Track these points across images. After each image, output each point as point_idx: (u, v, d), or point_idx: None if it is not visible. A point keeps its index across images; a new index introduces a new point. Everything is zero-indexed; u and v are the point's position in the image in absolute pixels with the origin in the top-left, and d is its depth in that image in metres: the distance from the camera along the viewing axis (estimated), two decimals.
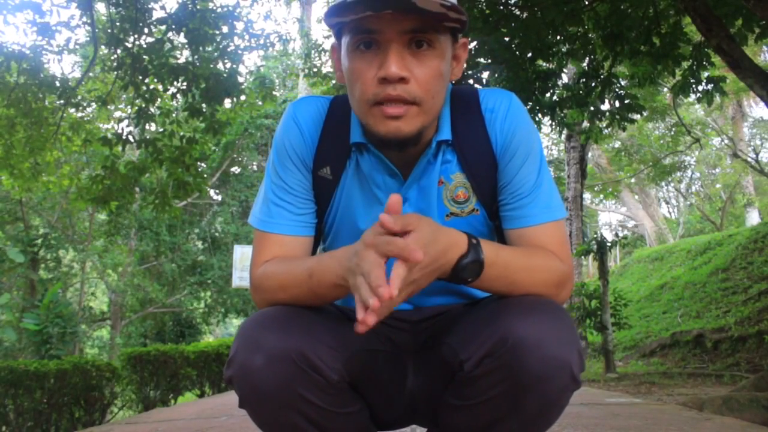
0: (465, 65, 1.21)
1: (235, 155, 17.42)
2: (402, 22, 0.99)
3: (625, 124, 6.44)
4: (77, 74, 11.66)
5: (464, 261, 0.99)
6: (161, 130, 8.24)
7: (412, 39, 1.01)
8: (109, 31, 7.32)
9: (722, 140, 18.63)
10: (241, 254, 12.37)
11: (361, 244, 0.91)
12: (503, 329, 0.96)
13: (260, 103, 11.81)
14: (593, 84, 6.50)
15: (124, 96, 11.05)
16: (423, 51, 1.02)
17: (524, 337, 0.95)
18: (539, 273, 1.06)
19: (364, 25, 1.01)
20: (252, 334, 0.99)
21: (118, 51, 7.34)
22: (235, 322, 23.15)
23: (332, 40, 1.14)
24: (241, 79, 7.95)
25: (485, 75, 6.66)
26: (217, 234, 17.47)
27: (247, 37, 7.88)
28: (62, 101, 7.60)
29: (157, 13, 7.45)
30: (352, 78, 1.05)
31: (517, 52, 6.25)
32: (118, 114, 13.17)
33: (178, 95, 7.68)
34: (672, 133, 16.45)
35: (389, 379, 1.18)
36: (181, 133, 8.00)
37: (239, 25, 7.75)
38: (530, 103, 6.42)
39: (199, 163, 9.57)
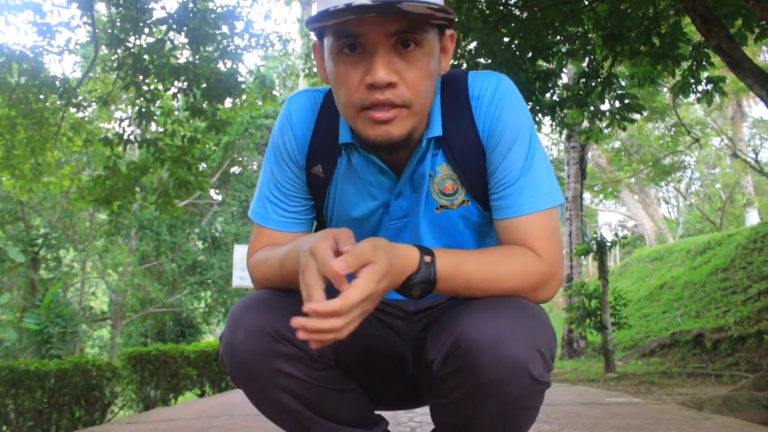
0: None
1: (235, 155, 17.43)
2: (387, 25, 0.94)
3: (625, 124, 6.44)
4: (78, 74, 11.66)
5: (413, 280, 0.96)
6: (162, 129, 8.26)
7: (399, 40, 0.96)
8: (109, 31, 7.33)
9: (722, 140, 18.63)
10: (242, 254, 12.33)
11: (307, 252, 0.91)
12: (458, 331, 0.95)
13: (260, 102, 11.80)
14: (593, 84, 6.50)
15: (125, 96, 11.05)
16: (410, 51, 0.97)
17: (477, 338, 0.92)
18: (508, 282, 1.01)
19: (347, 29, 0.95)
20: (237, 314, 1.06)
21: (119, 51, 7.35)
22: None
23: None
24: (241, 79, 7.96)
25: None
26: (217, 234, 17.48)
27: (247, 36, 7.89)
28: (63, 102, 7.60)
29: (158, 13, 7.46)
30: (336, 82, 1.01)
31: (517, 52, 6.25)
32: (119, 114, 13.18)
33: (179, 95, 7.70)
34: (672, 133, 16.47)
35: (385, 362, 1.18)
36: (182, 133, 8.02)
37: (239, 25, 7.76)
38: (530, 103, 6.40)
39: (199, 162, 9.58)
